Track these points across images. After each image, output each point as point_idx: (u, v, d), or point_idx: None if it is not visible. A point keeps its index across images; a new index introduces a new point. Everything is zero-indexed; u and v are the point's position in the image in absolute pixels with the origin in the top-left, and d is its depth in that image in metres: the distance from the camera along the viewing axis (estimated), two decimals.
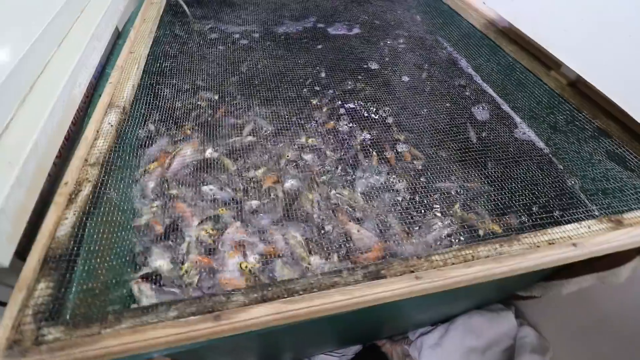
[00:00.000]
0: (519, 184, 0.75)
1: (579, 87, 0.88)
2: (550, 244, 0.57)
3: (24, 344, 0.44)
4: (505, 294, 1.16)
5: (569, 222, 0.61)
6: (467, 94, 1.03)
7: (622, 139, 0.77)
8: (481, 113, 0.97)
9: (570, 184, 0.76)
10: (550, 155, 0.84)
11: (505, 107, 1.00)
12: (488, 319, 1.12)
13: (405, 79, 1.07)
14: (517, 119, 0.96)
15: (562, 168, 0.81)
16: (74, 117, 0.80)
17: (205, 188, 0.72)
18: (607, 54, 0.77)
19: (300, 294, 0.49)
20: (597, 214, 0.66)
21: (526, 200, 0.71)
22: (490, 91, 1.04)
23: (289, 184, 0.74)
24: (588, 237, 0.57)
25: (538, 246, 0.56)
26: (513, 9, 1.01)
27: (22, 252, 0.55)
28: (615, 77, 0.76)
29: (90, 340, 0.45)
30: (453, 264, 0.54)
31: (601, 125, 0.81)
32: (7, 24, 0.69)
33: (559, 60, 0.87)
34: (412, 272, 0.52)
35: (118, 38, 1.11)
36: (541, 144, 0.88)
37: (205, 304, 0.48)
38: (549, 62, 0.95)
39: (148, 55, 0.98)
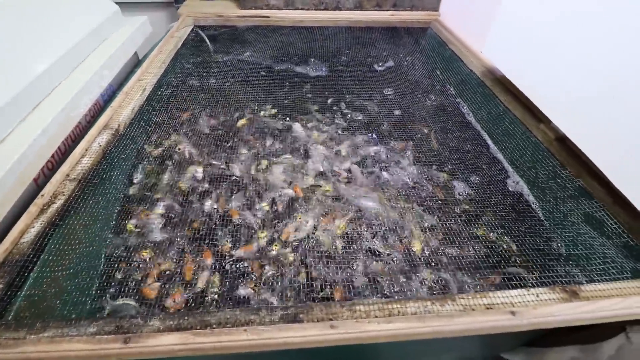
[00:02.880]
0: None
1: (567, 143, 0.85)
2: (488, 308, 0.53)
3: None
4: (488, 353, 1.07)
5: (516, 286, 0.57)
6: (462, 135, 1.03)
7: (605, 201, 0.72)
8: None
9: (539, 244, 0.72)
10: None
11: (500, 155, 0.97)
12: None
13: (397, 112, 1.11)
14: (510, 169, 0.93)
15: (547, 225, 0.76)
16: (74, 134, 0.89)
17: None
18: (592, 114, 0.74)
19: (214, 327, 0.50)
20: (549, 281, 0.61)
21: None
22: (487, 138, 1.02)
23: None
24: (532, 307, 0.53)
25: (473, 309, 0.53)
26: (507, 60, 1.01)
27: None
28: (598, 139, 0.72)
29: (13, 343, 0.48)
30: (376, 316, 0.52)
31: (584, 185, 0.76)
32: (24, 49, 0.80)
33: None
34: (331, 319, 0.51)
35: (136, 66, 1.23)
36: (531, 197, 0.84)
37: (122, 324, 0.50)
38: (540, 115, 0.93)
39: (155, 84, 1.08)
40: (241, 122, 1.02)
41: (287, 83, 1.21)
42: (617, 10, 0.69)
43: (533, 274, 0.63)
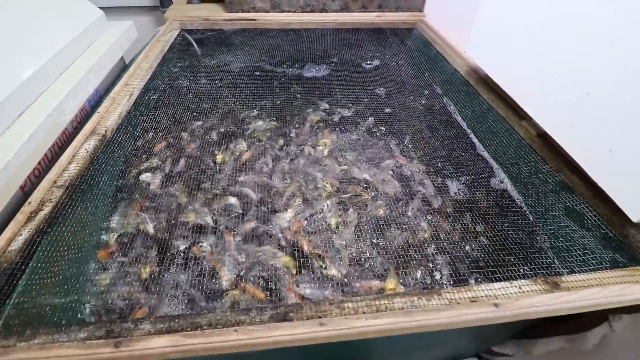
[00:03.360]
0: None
1: (548, 139, 0.87)
2: (472, 301, 0.55)
3: None
4: (479, 347, 1.10)
5: (501, 279, 0.59)
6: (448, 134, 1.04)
7: (584, 195, 0.75)
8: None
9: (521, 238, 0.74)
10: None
11: (485, 153, 0.99)
12: None
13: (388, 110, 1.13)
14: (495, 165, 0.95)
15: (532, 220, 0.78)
16: (61, 141, 0.89)
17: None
18: (569, 110, 0.76)
19: (204, 329, 0.51)
20: (532, 273, 0.63)
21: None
22: (473, 137, 1.04)
23: None
24: (514, 298, 0.55)
25: (458, 303, 0.55)
26: (489, 59, 1.03)
27: None
28: (575, 134, 0.75)
29: (3, 351, 0.48)
30: (364, 312, 0.53)
31: (565, 180, 0.78)
32: (9, 55, 0.80)
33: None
34: (320, 317, 0.52)
35: (123, 71, 1.23)
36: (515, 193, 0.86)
37: (113, 329, 0.51)
38: (522, 112, 0.95)
39: (142, 89, 1.08)
40: (219, 156, 0.92)
41: (275, 83, 1.22)
42: (594, 12, 0.71)
43: (516, 266, 0.65)
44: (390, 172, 0.90)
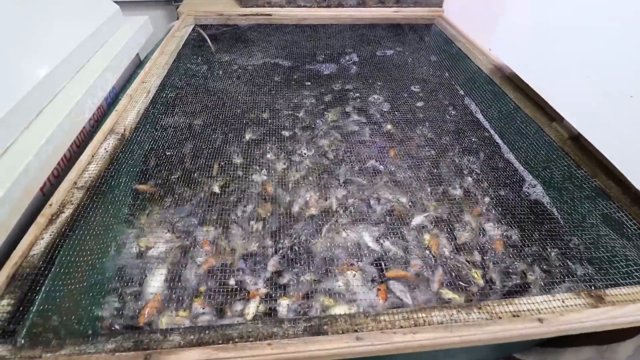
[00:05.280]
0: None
1: (582, 142, 0.84)
2: (514, 315, 0.53)
3: None
4: (501, 354, 1.07)
5: (542, 292, 0.56)
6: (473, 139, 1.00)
7: (622, 201, 0.71)
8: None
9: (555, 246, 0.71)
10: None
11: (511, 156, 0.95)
12: None
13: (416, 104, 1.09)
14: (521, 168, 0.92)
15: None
16: (79, 140, 0.87)
17: None
18: (608, 113, 0.72)
19: (236, 342, 0.49)
20: (575, 286, 0.60)
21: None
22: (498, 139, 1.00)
23: None
24: (558, 313, 0.52)
25: (500, 317, 0.52)
26: (517, 57, 0.99)
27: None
28: (615, 137, 0.71)
29: None
30: (401, 326, 0.51)
31: (601, 185, 0.75)
32: (26, 54, 0.77)
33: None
34: (356, 331, 0.50)
35: (138, 67, 1.20)
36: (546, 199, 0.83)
37: (142, 340, 0.49)
38: (552, 113, 0.91)
39: (159, 86, 1.05)
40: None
41: (293, 84, 1.19)
42: (632, 2, 0.67)
43: (557, 278, 0.62)
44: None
